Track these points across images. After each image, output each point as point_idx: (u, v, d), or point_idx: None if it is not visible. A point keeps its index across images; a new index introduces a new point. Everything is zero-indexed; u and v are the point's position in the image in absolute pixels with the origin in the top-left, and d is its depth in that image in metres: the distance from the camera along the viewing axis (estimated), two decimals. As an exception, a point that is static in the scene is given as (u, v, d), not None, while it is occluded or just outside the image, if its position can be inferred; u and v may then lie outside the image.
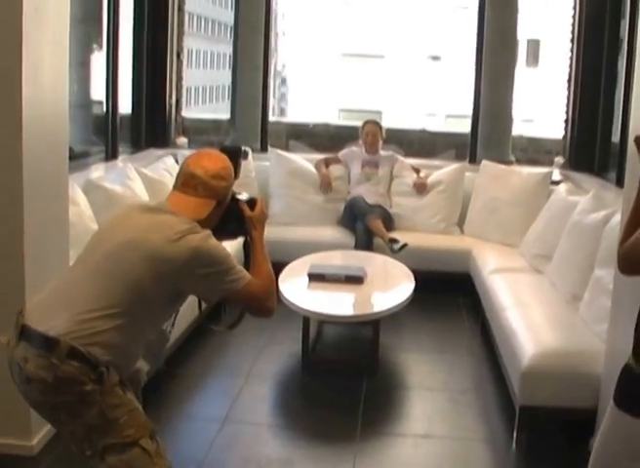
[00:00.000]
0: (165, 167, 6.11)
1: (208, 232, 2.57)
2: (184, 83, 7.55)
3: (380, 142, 6.85)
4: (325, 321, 5.19)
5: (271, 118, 8.12)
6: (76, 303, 2.47)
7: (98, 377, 2.42)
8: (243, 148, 3.01)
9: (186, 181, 2.63)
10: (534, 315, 4.44)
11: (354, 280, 4.91)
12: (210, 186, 2.62)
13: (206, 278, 2.55)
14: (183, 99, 7.66)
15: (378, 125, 6.92)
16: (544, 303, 4.66)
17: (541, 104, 24.84)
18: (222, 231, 2.72)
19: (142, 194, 5.20)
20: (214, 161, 2.68)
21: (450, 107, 28.11)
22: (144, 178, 5.43)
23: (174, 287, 2.55)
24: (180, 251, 2.48)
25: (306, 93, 33.07)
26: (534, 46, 29.34)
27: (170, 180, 5.76)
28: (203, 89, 33.38)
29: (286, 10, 33.28)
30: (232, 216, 2.78)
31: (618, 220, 4.18)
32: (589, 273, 4.37)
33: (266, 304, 2.71)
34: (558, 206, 5.53)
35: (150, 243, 2.50)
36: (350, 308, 4.94)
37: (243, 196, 2.84)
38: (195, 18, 34.34)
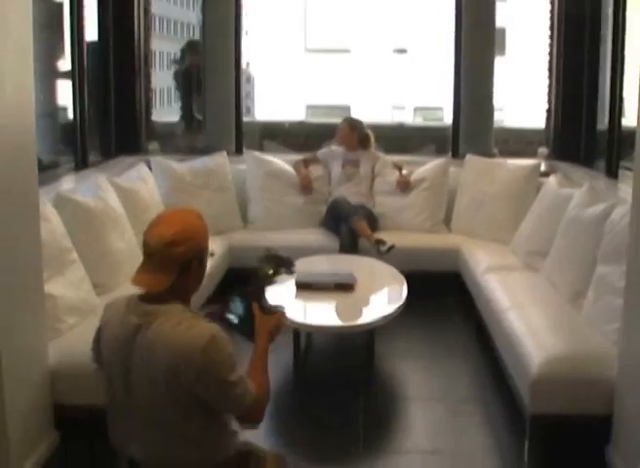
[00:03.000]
0: (138, 175, 5.76)
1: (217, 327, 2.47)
2: (154, 86, 7.31)
3: (356, 138, 6.62)
4: (317, 332, 4.96)
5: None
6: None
7: None
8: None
9: (145, 252, 2.47)
10: (536, 316, 4.22)
11: (344, 287, 4.65)
12: (165, 256, 2.43)
13: (214, 384, 2.44)
14: (156, 101, 7.43)
15: (354, 122, 6.73)
16: (545, 303, 4.45)
17: (513, 93, 24.80)
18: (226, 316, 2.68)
19: (117, 206, 4.89)
20: (168, 225, 2.47)
21: (418, 100, 27.97)
22: (118, 189, 5.07)
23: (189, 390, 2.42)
24: (196, 338, 2.40)
25: (272, 90, 32.78)
26: (500, 35, 29.25)
27: (145, 190, 5.55)
28: (168, 90, 33.02)
29: (249, 7, 33.06)
30: (241, 307, 2.72)
31: (620, 213, 4.00)
32: (591, 270, 4.17)
33: (258, 418, 2.62)
34: (550, 199, 5.32)
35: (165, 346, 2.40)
36: (343, 318, 4.61)
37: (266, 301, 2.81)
38: (165, 21, 34.02)
